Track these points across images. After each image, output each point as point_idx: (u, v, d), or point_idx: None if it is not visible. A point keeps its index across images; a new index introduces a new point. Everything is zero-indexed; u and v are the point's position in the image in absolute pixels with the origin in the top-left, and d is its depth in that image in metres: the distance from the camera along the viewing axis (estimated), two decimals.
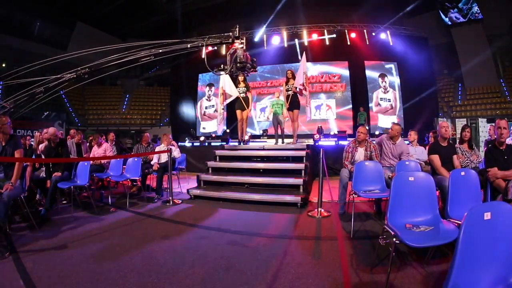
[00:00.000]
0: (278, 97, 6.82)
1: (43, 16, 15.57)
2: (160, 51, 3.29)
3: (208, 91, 13.62)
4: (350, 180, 3.61)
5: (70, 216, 3.88)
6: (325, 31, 12.38)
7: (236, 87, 6.43)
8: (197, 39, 3.39)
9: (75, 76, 3.14)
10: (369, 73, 11.98)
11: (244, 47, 3.28)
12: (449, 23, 14.22)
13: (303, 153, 5.31)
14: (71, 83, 3.31)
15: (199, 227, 3.49)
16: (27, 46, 14.60)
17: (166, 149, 5.17)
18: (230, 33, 3.21)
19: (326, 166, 3.88)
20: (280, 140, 6.62)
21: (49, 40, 15.71)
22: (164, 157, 5.25)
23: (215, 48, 12.03)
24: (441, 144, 3.50)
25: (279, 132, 6.64)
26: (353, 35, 12.23)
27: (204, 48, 3.43)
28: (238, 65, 3.22)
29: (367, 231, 3.19)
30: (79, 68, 3.18)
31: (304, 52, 6.69)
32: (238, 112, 6.48)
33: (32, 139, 6.18)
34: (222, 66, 3.36)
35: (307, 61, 7.99)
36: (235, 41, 3.19)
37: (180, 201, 4.73)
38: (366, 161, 3.70)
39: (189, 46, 3.27)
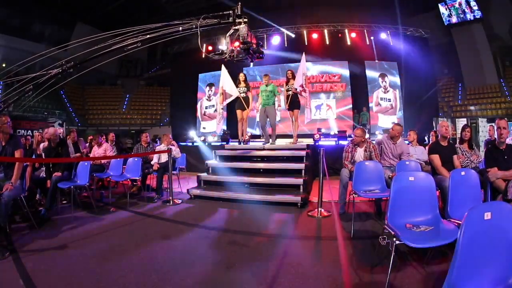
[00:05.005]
0: (267, 84, 5.99)
1: (43, 16, 15.60)
2: (148, 36, 2.98)
3: (208, 91, 13.59)
4: (350, 180, 3.60)
5: (70, 216, 3.87)
6: (325, 31, 12.38)
7: (237, 86, 6.39)
8: (191, 20, 2.99)
9: (60, 70, 2.99)
10: (369, 73, 11.97)
11: (248, 27, 2.80)
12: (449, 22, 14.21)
13: (303, 153, 5.30)
14: (59, 80, 3.19)
15: (199, 227, 3.49)
16: (27, 46, 14.60)
17: (166, 149, 5.17)
18: (230, 11, 2.78)
19: (326, 166, 3.86)
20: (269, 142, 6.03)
21: (49, 40, 15.73)
22: (164, 157, 5.25)
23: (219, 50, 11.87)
24: (441, 143, 3.50)
25: (269, 131, 6.11)
26: (353, 35, 12.23)
27: (198, 30, 2.97)
28: (242, 46, 2.79)
29: (367, 231, 3.18)
30: (63, 61, 3.04)
31: (304, 53, 6.60)
32: (238, 112, 6.45)
33: (32, 139, 6.18)
34: (220, 50, 3.00)
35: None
36: (237, 20, 2.75)
37: (180, 201, 4.72)
38: (366, 161, 3.69)
39: (180, 29, 2.95)
